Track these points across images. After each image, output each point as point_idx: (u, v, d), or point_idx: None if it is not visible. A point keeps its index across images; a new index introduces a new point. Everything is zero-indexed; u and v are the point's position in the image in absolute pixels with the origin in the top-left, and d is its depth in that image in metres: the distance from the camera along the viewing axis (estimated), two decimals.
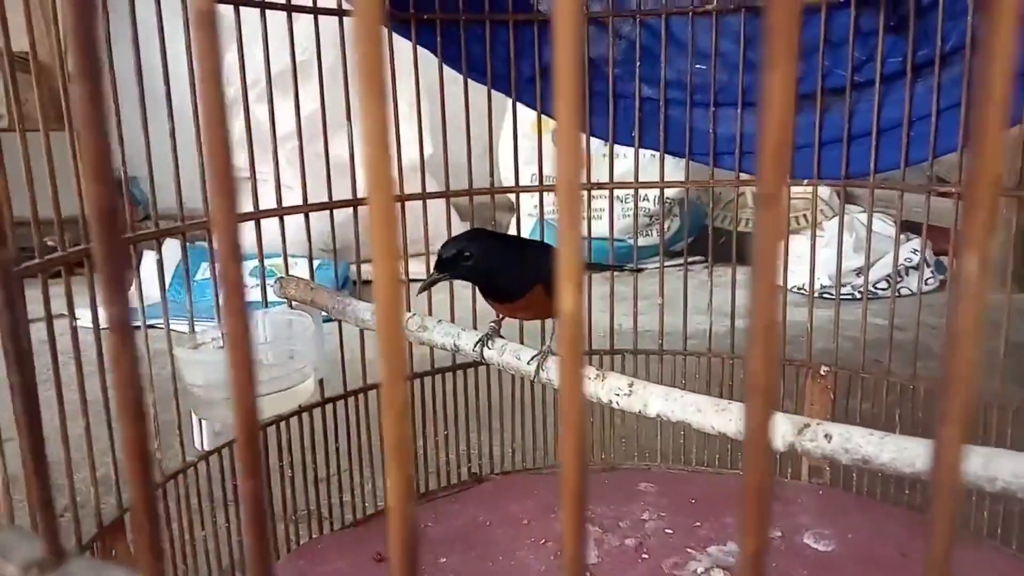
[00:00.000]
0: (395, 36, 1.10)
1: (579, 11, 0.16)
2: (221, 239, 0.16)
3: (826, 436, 0.67)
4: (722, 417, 0.72)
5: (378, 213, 0.16)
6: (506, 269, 0.88)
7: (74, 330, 0.77)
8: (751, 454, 0.16)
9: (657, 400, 0.76)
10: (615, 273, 1.25)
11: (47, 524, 0.21)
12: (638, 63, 1.18)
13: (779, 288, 0.15)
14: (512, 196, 1.29)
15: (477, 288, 0.94)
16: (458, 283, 1.15)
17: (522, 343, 0.95)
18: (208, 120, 0.16)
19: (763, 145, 0.15)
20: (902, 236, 1.35)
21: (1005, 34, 0.14)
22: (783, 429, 0.69)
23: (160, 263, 0.88)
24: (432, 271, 0.89)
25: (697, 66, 1.17)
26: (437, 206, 1.20)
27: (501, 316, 0.96)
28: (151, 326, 0.90)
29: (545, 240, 1.10)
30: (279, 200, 1.03)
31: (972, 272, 0.15)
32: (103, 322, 0.18)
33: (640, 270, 1.24)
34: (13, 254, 0.19)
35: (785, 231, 0.15)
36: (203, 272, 2.29)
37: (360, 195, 1.09)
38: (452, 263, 0.87)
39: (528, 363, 0.85)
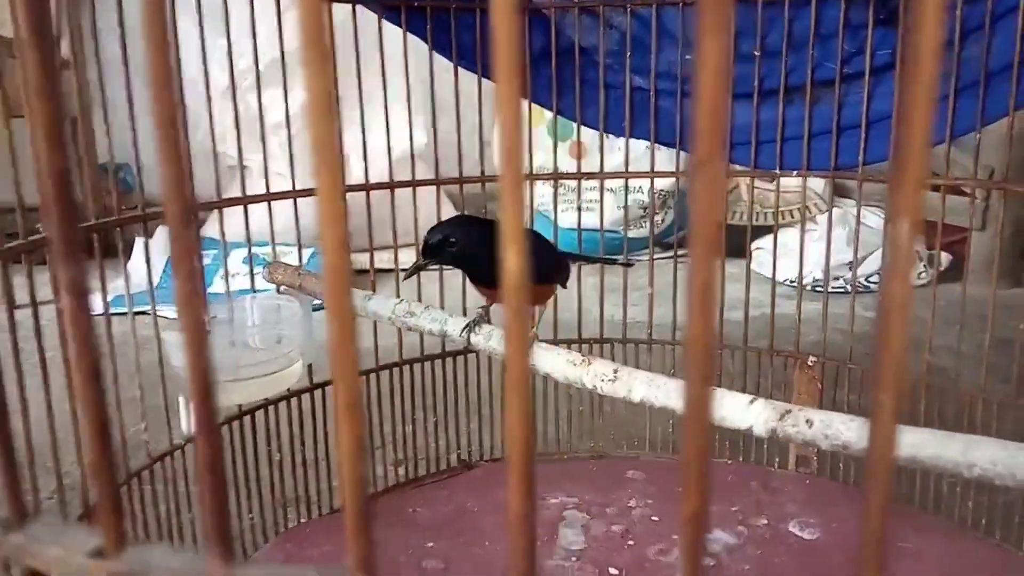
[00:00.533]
0: (385, 23, 1.10)
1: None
2: (171, 205, 0.16)
3: (807, 422, 0.68)
4: None
5: (321, 166, 0.16)
6: (491, 255, 0.88)
7: (60, 313, 0.78)
8: (691, 422, 0.16)
9: (641, 386, 0.76)
10: (604, 266, 1.25)
11: (10, 485, 0.21)
12: (629, 53, 1.18)
13: (717, 254, 0.16)
14: None
15: (464, 274, 0.95)
16: (448, 271, 1.16)
17: None
18: (156, 84, 0.16)
19: (698, 111, 0.15)
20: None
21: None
22: (765, 415, 0.70)
23: (146, 246, 0.88)
24: (418, 258, 0.89)
25: (687, 57, 1.17)
26: (428, 195, 1.20)
27: (489, 303, 0.96)
28: (139, 313, 0.90)
29: (535, 229, 1.11)
30: (267, 188, 1.03)
31: (903, 238, 0.15)
32: (61, 289, 0.18)
33: (630, 264, 1.24)
34: None
35: (723, 195, 0.15)
36: None
37: (349, 182, 1.10)
38: (437, 249, 0.88)
39: None
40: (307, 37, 0.15)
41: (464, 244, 0.87)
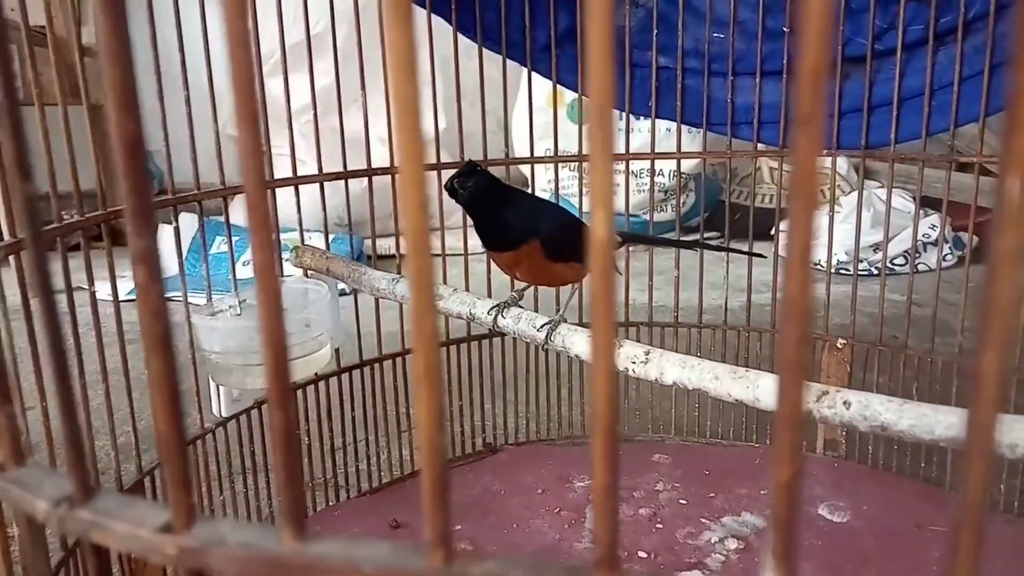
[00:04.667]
0: None
1: None
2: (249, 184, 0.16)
3: (845, 403, 0.67)
4: (739, 384, 0.72)
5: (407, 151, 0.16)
6: (504, 208, 0.86)
7: (93, 298, 0.78)
8: (786, 378, 0.16)
9: (674, 368, 0.76)
10: (629, 249, 1.23)
11: (76, 460, 0.21)
12: (655, 32, 1.16)
13: (816, 212, 0.15)
14: (527, 169, 1.28)
15: (475, 230, 0.91)
16: (472, 257, 1.15)
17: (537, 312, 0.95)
18: (238, 82, 0.16)
19: (802, 69, 0.14)
20: (920, 211, 1.34)
21: None
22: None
23: (177, 231, 0.88)
24: (451, 179, 0.88)
25: (715, 35, 1.15)
26: None
27: (522, 288, 0.96)
28: (168, 298, 0.91)
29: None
30: (294, 171, 1.03)
31: (1014, 194, 0.14)
32: (130, 256, 0.18)
33: (706, 246, 1.15)
34: (36, 189, 0.19)
35: (818, 152, 0.14)
36: (218, 246, 2.30)
37: (374, 165, 1.09)
38: (455, 184, 0.86)
39: (539, 329, 0.85)
40: (396, 53, 0.14)
41: (481, 185, 0.85)
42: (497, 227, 0.87)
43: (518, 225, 0.86)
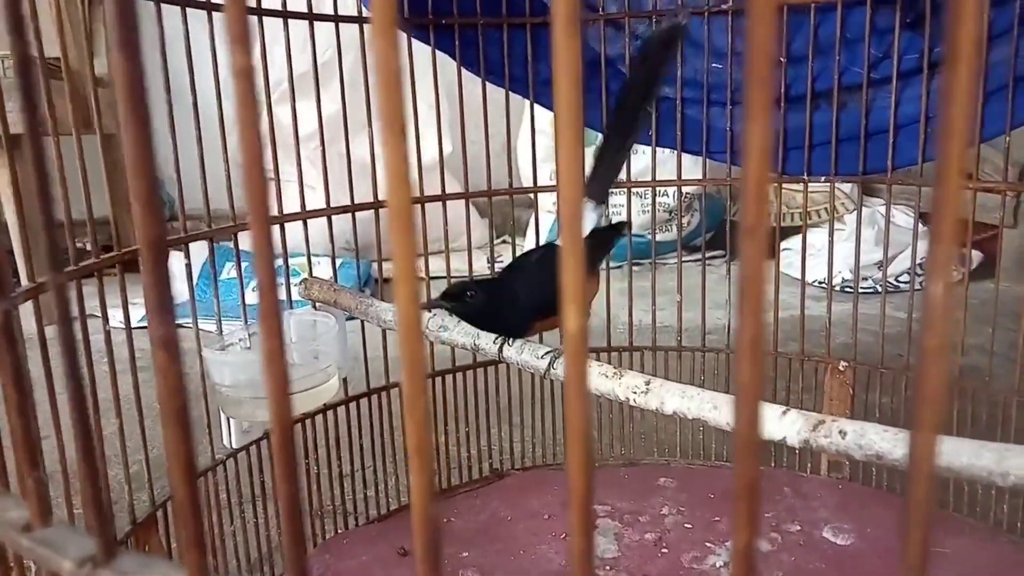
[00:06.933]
0: (414, 40, 1.12)
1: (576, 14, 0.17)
2: (259, 256, 0.18)
3: (840, 432, 0.68)
4: None
5: (398, 234, 0.18)
6: (506, 312, 0.90)
7: (107, 332, 0.80)
8: (741, 456, 0.18)
9: (674, 398, 0.77)
10: (633, 268, 1.24)
11: (99, 520, 0.23)
12: None
13: (764, 310, 0.17)
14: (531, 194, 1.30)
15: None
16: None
17: (540, 343, 0.96)
18: (248, 157, 0.18)
19: (746, 185, 0.16)
20: (923, 229, 1.36)
21: (965, 71, 0.16)
22: (798, 425, 0.70)
23: (189, 267, 0.91)
24: (438, 299, 0.91)
25: (713, 65, 1.17)
26: (457, 205, 1.22)
27: None
28: (179, 326, 0.93)
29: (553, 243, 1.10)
30: (303, 202, 1.05)
31: (937, 297, 0.16)
32: (150, 336, 0.20)
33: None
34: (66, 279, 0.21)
35: (764, 258, 0.16)
36: (228, 271, 2.33)
37: (381, 197, 1.12)
38: (457, 297, 0.89)
39: (541, 358, 0.87)
40: (383, 83, 0.16)
41: (480, 300, 0.89)
42: (500, 327, 0.91)
43: (517, 317, 0.90)
